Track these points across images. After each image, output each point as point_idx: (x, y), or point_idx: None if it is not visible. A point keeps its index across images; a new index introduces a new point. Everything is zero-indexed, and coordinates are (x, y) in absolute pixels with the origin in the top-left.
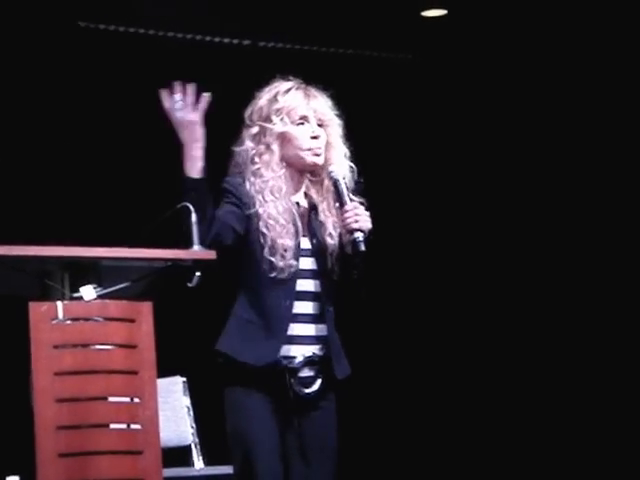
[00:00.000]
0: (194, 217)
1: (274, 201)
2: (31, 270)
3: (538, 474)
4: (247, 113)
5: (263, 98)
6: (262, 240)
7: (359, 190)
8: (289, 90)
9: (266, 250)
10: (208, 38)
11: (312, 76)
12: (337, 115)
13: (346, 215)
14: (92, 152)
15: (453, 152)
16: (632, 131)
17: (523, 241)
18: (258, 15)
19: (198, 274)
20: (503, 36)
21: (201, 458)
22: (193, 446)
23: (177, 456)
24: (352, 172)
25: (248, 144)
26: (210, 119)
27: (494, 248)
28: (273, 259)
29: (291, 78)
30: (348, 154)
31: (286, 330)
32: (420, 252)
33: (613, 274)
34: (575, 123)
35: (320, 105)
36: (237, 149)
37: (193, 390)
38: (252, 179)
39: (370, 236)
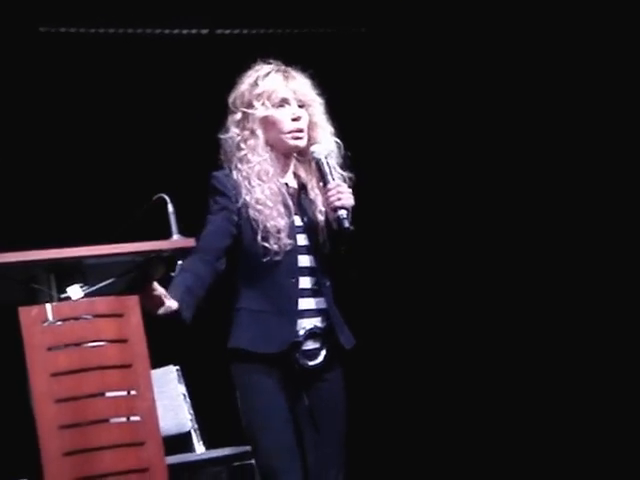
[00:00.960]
0: (170, 207)
1: (261, 185)
2: (18, 276)
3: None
4: (230, 99)
5: (244, 83)
6: (255, 226)
7: (347, 164)
8: (268, 74)
9: (259, 236)
10: (167, 31)
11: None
12: (319, 94)
13: (329, 194)
14: (62, 152)
15: (413, 126)
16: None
17: (516, 218)
18: (212, 3)
19: (180, 262)
20: (455, 5)
21: (201, 443)
22: (193, 432)
23: (178, 443)
24: (339, 148)
25: (233, 130)
26: (178, 110)
27: (487, 225)
28: (267, 244)
29: (271, 61)
30: (333, 131)
31: (296, 307)
32: (408, 232)
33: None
34: (532, 97)
35: (300, 86)
36: (223, 137)
37: (187, 377)
38: (239, 166)
39: (351, 213)
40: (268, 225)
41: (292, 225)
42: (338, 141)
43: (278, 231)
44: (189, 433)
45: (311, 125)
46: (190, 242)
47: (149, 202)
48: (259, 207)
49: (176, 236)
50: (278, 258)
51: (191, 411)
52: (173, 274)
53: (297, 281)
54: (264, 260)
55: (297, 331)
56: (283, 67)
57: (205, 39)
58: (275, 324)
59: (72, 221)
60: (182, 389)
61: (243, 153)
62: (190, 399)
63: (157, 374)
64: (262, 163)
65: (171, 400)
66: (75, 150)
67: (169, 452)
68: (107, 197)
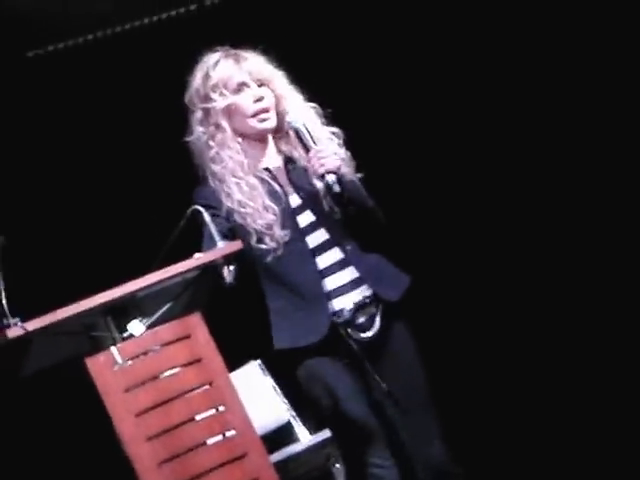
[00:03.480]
0: (207, 217)
1: (238, 183)
2: (74, 329)
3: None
4: (187, 99)
5: (196, 78)
6: (247, 230)
7: (330, 122)
8: (218, 62)
9: (254, 239)
10: (155, 18)
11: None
12: (277, 67)
13: (312, 163)
14: (64, 177)
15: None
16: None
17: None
18: None
19: (232, 268)
20: None
21: (305, 428)
22: (292, 420)
23: (281, 436)
24: (315, 110)
25: (198, 130)
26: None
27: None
28: (263, 245)
29: (218, 48)
30: (303, 98)
31: (321, 290)
32: None
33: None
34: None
35: (254, 65)
36: (190, 139)
37: (273, 368)
38: (213, 168)
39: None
40: (257, 225)
41: (287, 209)
42: (313, 105)
43: (269, 227)
44: (289, 423)
45: (277, 99)
46: (237, 245)
47: (185, 217)
48: (242, 210)
49: (221, 243)
50: (280, 252)
51: (285, 400)
52: (228, 281)
53: (315, 264)
54: (269, 260)
55: (337, 312)
56: (232, 51)
57: (201, 13)
58: (306, 314)
59: (104, 255)
60: (270, 381)
61: (214, 151)
62: (281, 388)
63: (240, 374)
64: (234, 156)
65: (261, 395)
66: (75, 173)
67: (275, 448)
68: (127, 222)
